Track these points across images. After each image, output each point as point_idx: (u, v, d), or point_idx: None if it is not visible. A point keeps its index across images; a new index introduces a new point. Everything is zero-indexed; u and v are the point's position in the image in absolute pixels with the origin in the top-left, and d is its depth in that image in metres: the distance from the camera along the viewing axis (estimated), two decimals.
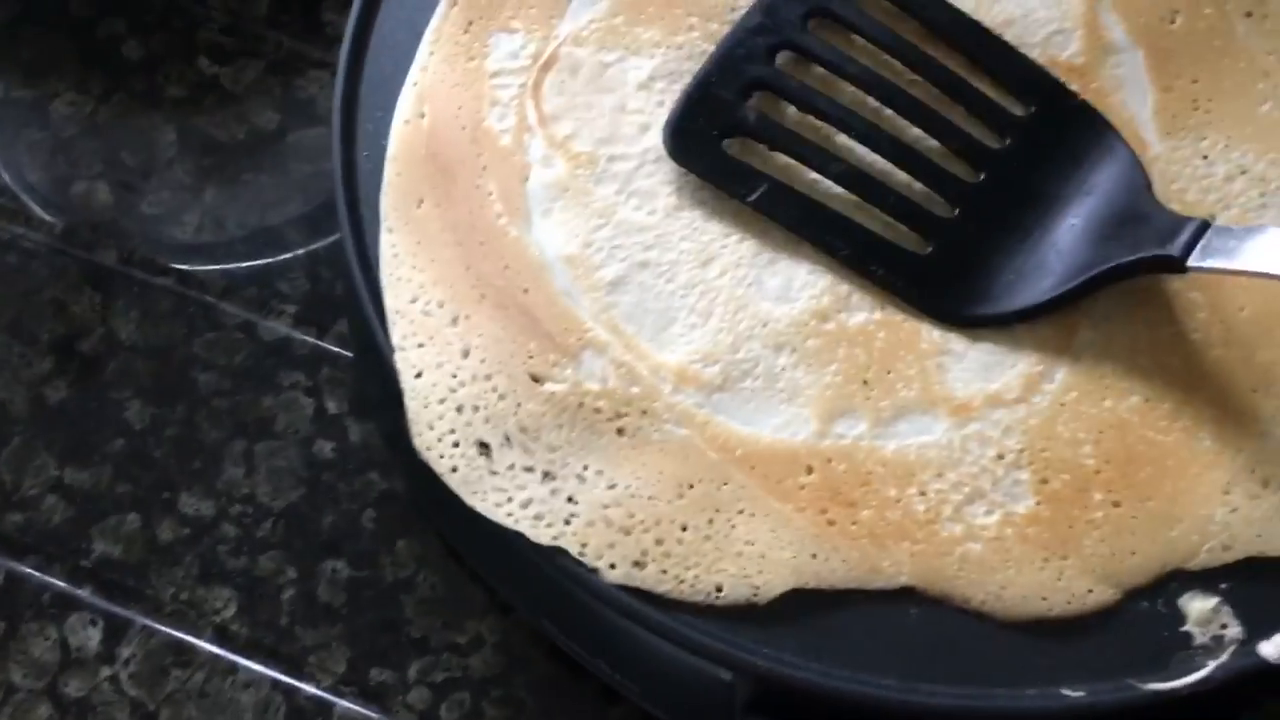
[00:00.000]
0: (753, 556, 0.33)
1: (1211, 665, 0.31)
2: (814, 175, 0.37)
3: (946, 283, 0.36)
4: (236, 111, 0.47)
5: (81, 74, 0.47)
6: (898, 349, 0.35)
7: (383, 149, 0.38)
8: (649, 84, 0.39)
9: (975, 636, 0.32)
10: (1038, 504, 0.34)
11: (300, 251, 0.45)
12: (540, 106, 0.38)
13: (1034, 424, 0.34)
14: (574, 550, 0.33)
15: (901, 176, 0.37)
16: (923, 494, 0.34)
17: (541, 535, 0.34)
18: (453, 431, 0.35)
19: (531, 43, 0.39)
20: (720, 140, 0.37)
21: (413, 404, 0.35)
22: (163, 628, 0.40)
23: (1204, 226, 0.33)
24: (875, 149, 0.37)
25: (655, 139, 0.38)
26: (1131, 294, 0.35)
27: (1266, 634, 0.32)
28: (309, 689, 0.39)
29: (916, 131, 0.37)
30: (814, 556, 0.33)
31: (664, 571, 0.33)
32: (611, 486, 0.34)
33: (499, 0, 0.40)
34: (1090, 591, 0.33)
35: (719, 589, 0.33)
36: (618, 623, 0.34)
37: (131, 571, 0.40)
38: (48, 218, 0.45)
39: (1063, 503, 0.34)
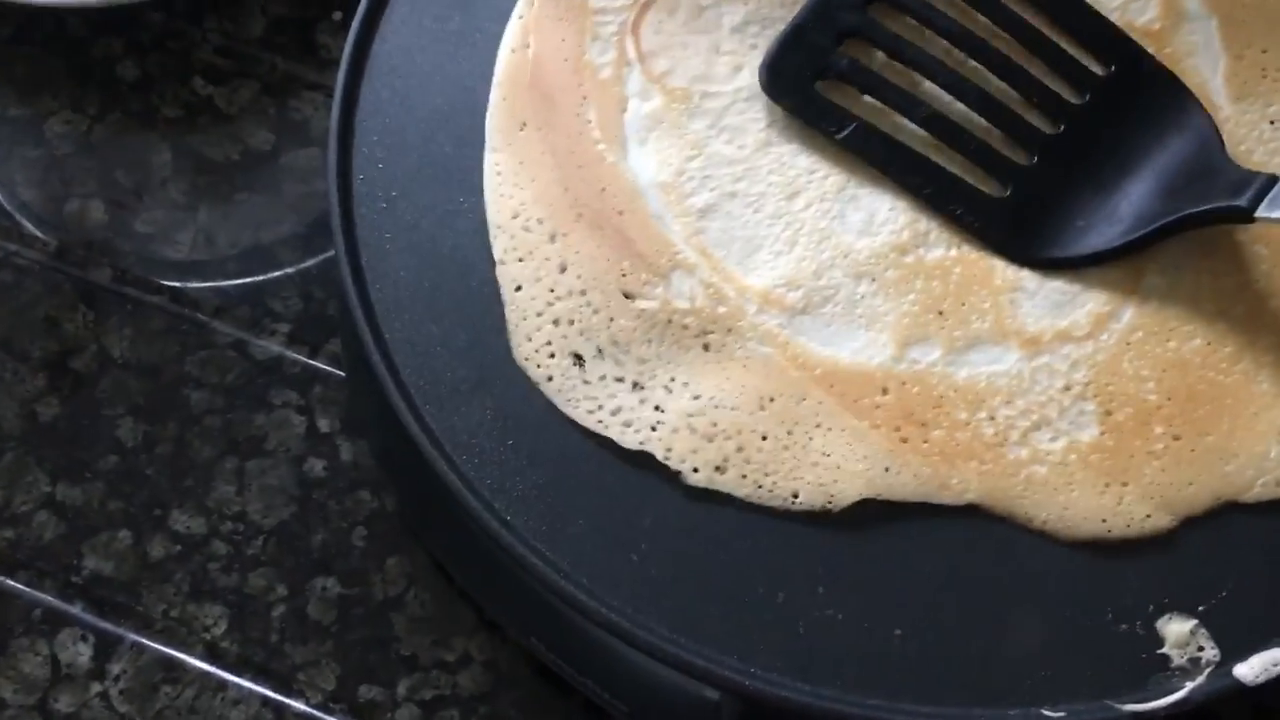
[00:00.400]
0: (829, 467, 0.35)
1: (1189, 687, 0.33)
2: (900, 119, 0.39)
3: (1022, 225, 0.37)
4: (231, 132, 0.47)
5: (77, 93, 0.48)
6: (973, 283, 0.37)
7: (380, 171, 0.38)
8: (743, 28, 0.41)
9: (958, 658, 0.34)
10: (1101, 433, 0.35)
11: (293, 270, 0.46)
12: (639, 43, 0.40)
13: (1101, 359, 0.36)
14: (659, 454, 0.35)
15: (983, 124, 0.39)
16: (992, 419, 0.35)
17: (629, 440, 0.35)
18: (549, 343, 0.37)
19: None
20: (813, 81, 0.39)
21: (512, 316, 0.37)
22: (153, 644, 0.40)
23: (1273, 180, 0.35)
24: (959, 97, 0.38)
25: (747, 79, 0.40)
26: (1199, 244, 0.37)
27: (1242, 656, 0.33)
28: (298, 706, 0.40)
29: (1000, 83, 0.39)
30: (886, 470, 0.35)
31: (744, 476, 0.35)
32: (696, 397, 0.36)
33: None
34: (1148, 517, 0.35)
35: (795, 495, 0.35)
36: (606, 641, 0.35)
37: (122, 588, 0.40)
38: (42, 235, 0.46)
39: (1125, 434, 0.35)
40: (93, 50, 0.49)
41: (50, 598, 0.41)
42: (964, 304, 0.37)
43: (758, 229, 0.38)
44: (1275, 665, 0.33)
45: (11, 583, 0.41)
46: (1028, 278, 0.37)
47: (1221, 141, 0.37)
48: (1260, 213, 0.34)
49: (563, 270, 0.37)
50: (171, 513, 0.42)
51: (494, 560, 0.36)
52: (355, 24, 0.41)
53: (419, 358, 0.37)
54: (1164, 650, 0.33)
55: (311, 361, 0.44)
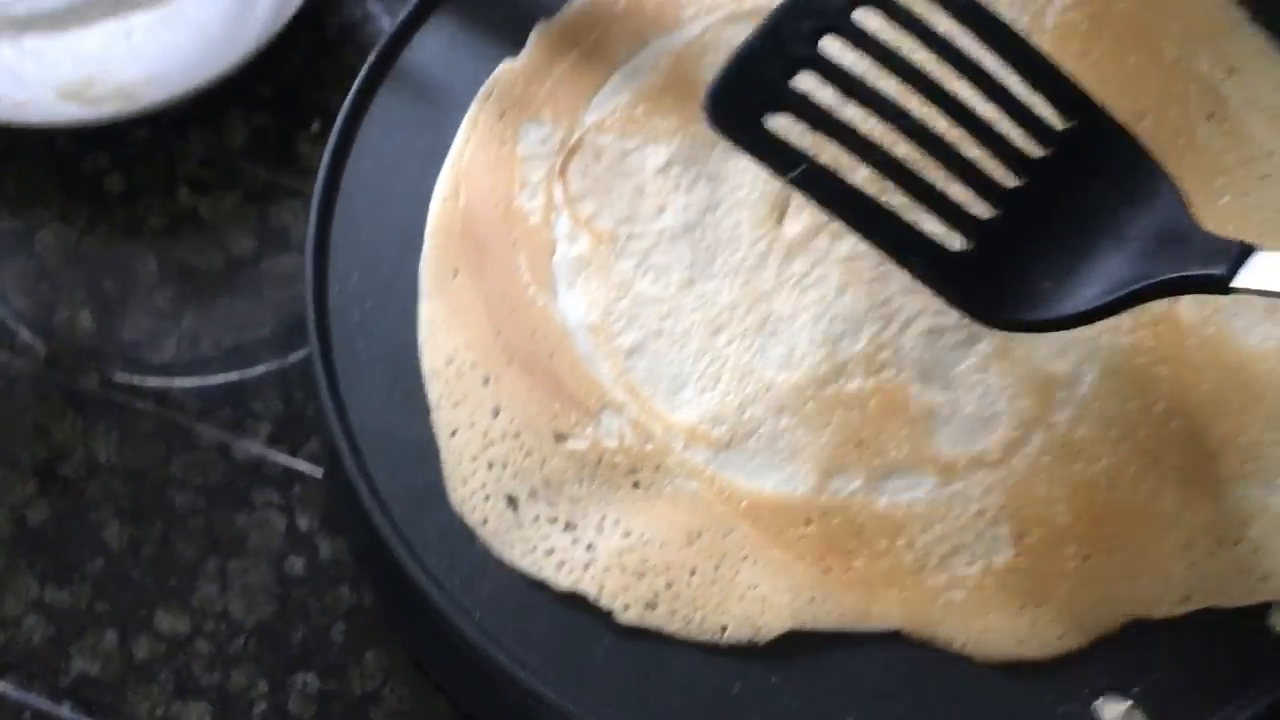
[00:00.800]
0: (755, 600, 0.36)
1: None
2: (854, 162, 0.35)
3: (985, 283, 0.35)
4: (214, 239, 0.49)
5: (66, 206, 0.49)
6: (890, 413, 0.39)
7: (354, 283, 0.41)
8: (665, 169, 0.43)
9: None
10: (1015, 556, 0.37)
11: (274, 369, 0.47)
12: (566, 188, 0.42)
13: (1013, 483, 0.38)
14: (591, 594, 0.37)
15: (941, 172, 0.35)
16: (911, 546, 0.37)
17: (563, 581, 0.37)
18: (484, 486, 0.38)
19: (559, 131, 0.43)
20: (761, 114, 0.35)
21: (448, 461, 0.38)
22: None
23: (1247, 249, 0.33)
24: (918, 142, 0.35)
25: (671, 219, 0.42)
26: (1103, 366, 0.39)
27: None
28: None
29: (959, 130, 0.36)
30: (811, 601, 0.36)
31: (674, 612, 0.36)
32: (627, 535, 0.37)
33: (530, 94, 0.44)
34: (1061, 637, 0.36)
35: (724, 629, 0.36)
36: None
37: (109, 689, 0.41)
38: (32, 343, 0.47)
39: (1038, 555, 0.37)
40: (81, 165, 0.50)
41: (39, 699, 0.42)
42: (881, 433, 0.39)
43: (683, 366, 0.40)
44: None
45: (1, 685, 0.42)
46: (942, 405, 0.39)
47: (1186, 205, 0.35)
48: (1236, 284, 0.33)
49: (496, 414, 0.39)
50: (156, 613, 0.43)
51: (464, 656, 0.37)
52: (330, 142, 0.43)
53: (391, 462, 0.38)
54: None
55: (292, 461, 0.45)
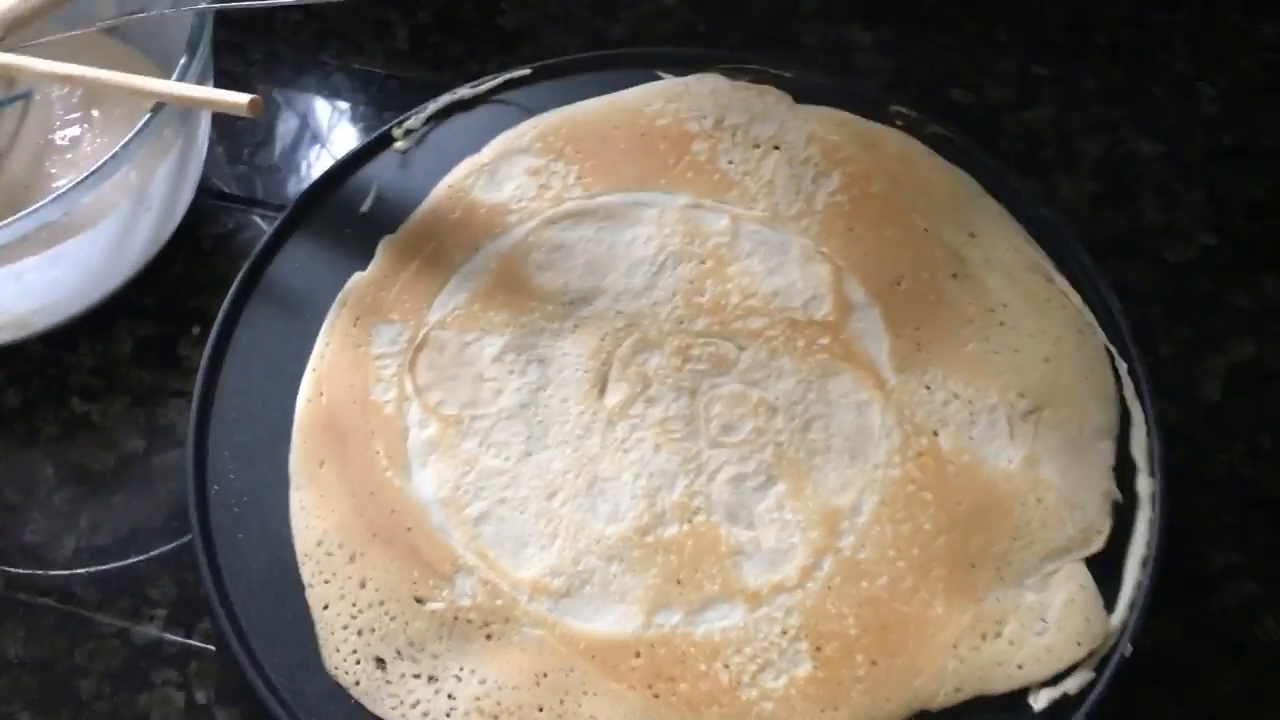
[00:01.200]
0: None
1: None
2: None
3: None
4: (106, 441, 0.54)
5: None
6: (703, 553, 0.45)
7: (231, 481, 0.46)
8: (500, 357, 0.49)
9: None
10: (815, 667, 0.43)
11: (168, 555, 0.51)
12: (415, 380, 0.49)
13: (809, 604, 0.44)
14: None
15: None
16: (726, 666, 0.43)
17: None
18: (355, 651, 0.44)
19: (407, 330, 0.50)
20: None
21: (322, 632, 0.44)
22: None
23: None
24: None
25: (508, 400, 0.48)
26: (879, 495, 0.46)
27: None
28: None
29: None
30: None
31: None
32: (482, 681, 0.43)
33: (380, 299, 0.50)
34: None
35: None
36: None
37: None
38: None
39: (833, 665, 0.43)
40: None
41: None
42: (697, 571, 0.45)
43: (524, 528, 0.46)
44: None
45: None
46: (746, 541, 0.46)
47: None
48: None
49: (363, 586, 0.44)
50: None
51: None
52: (206, 351, 0.49)
53: (272, 638, 0.44)
54: None
55: (188, 640, 0.49)
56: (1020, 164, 0.53)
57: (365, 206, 0.53)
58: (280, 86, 0.65)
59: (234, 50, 0.66)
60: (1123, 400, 0.48)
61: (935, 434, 0.48)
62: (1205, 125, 0.59)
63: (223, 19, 0.62)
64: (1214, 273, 0.56)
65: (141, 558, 0.52)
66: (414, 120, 0.55)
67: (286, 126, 0.64)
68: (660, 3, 0.66)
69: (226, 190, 0.61)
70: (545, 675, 0.43)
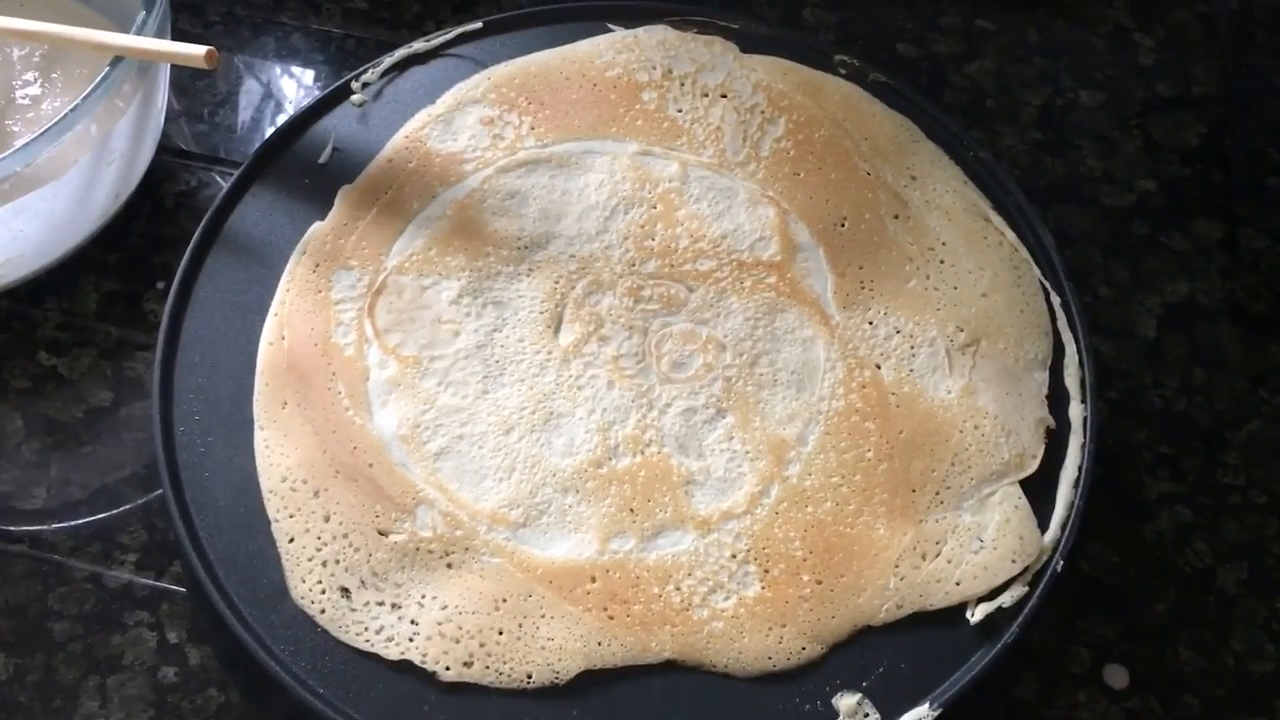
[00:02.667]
0: (553, 649, 0.44)
1: None
2: None
3: None
4: (74, 394, 0.55)
5: None
6: (655, 483, 0.47)
7: (197, 422, 0.48)
8: (458, 300, 0.51)
9: None
10: (763, 588, 0.45)
11: (137, 505, 0.52)
12: (375, 323, 0.50)
13: (757, 529, 0.46)
14: (417, 660, 0.44)
15: None
16: (678, 589, 0.45)
17: (391, 652, 0.44)
18: (320, 582, 0.45)
19: (365, 275, 0.51)
20: None
21: (287, 564, 0.45)
22: None
23: None
24: None
25: (465, 341, 0.50)
26: (824, 425, 0.48)
27: (896, 715, 0.43)
28: None
29: None
30: (599, 644, 0.44)
31: (487, 668, 0.44)
32: (444, 607, 0.44)
33: (339, 246, 0.52)
34: (804, 649, 0.44)
35: (529, 676, 0.43)
36: None
37: None
38: None
39: (780, 585, 0.45)
40: None
41: None
42: (649, 500, 0.47)
43: (483, 462, 0.47)
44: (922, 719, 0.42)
45: None
46: (697, 472, 0.47)
47: None
48: None
49: (327, 520, 0.46)
50: None
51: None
52: (169, 301, 0.50)
53: (239, 571, 0.45)
54: (840, 719, 0.43)
55: (158, 583, 0.51)
56: (964, 114, 0.55)
57: (323, 158, 0.54)
58: (239, 47, 0.66)
59: (193, 12, 0.67)
60: (1056, 332, 0.50)
61: (878, 367, 0.49)
62: (1142, 76, 0.61)
63: None
64: (1150, 216, 0.58)
65: (113, 509, 0.53)
66: (370, 74, 0.56)
67: (245, 86, 0.65)
68: None
69: (187, 149, 0.62)
70: (504, 600, 0.45)
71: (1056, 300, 0.51)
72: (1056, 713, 0.46)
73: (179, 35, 0.62)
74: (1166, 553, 0.49)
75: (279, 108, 0.63)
